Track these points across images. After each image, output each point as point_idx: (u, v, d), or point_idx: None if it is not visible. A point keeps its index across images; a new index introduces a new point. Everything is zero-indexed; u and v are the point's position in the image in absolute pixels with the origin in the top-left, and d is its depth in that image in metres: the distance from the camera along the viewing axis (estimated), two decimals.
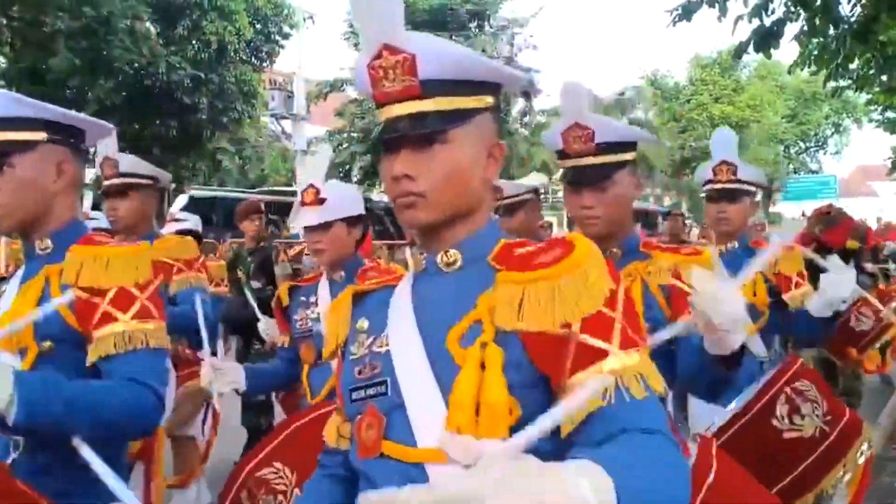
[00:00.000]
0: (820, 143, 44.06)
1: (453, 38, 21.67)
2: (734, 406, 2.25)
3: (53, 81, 14.42)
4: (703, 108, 35.77)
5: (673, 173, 36.45)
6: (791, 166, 42.09)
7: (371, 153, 23.11)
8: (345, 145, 23.79)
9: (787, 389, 2.15)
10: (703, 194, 3.04)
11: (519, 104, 25.09)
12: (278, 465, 1.95)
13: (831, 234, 5.55)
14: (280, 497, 1.94)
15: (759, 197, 3.06)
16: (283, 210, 20.59)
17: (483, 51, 21.99)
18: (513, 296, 1.08)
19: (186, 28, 14.54)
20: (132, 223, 3.07)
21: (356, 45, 23.05)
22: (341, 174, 24.29)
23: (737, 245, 2.92)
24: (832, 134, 43.61)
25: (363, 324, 1.26)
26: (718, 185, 2.86)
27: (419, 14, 21.98)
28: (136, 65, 14.84)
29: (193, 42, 14.65)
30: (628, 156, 1.89)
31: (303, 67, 19.48)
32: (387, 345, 1.18)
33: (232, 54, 15.17)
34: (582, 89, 1.89)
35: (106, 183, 3.02)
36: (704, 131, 35.48)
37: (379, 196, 25.93)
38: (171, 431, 3.10)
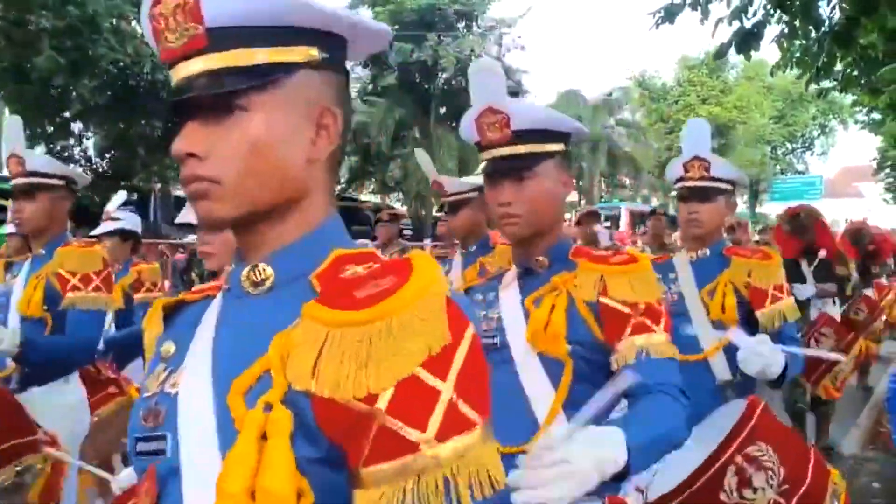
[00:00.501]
0: (806, 145, 44.40)
1: (441, 38, 21.72)
2: (688, 443, 1.88)
3: (38, 80, 14.33)
4: (690, 109, 35.95)
5: (660, 174, 36.61)
6: (778, 167, 42.37)
7: (359, 154, 23.16)
8: None
9: (739, 458, 1.82)
10: (673, 193, 2.73)
11: None
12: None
13: (803, 238, 5.52)
14: None
15: (735, 197, 2.76)
16: None
17: (471, 51, 22.04)
18: (312, 340, 0.78)
19: None
20: (39, 226, 2.76)
21: None
22: None
23: (709, 252, 2.63)
24: (818, 135, 43.95)
25: (168, 348, 0.95)
26: (690, 183, 2.58)
27: (407, 14, 22.00)
28: (121, 64, 14.77)
29: None
30: (554, 146, 1.64)
31: None
32: (178, 385, 0.89)
33: None
34: (496, 68, 1.68)
35: (12, 182, 2.76)
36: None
37: (367, 196, 26.02)
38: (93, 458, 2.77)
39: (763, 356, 2.18)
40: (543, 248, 1.68)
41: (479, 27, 23.72)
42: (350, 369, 0.75)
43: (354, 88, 24.48)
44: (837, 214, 25.68)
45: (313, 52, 0.87)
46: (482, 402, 0.78)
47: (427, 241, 18.12)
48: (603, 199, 33.09)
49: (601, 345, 1.56)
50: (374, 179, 24.41)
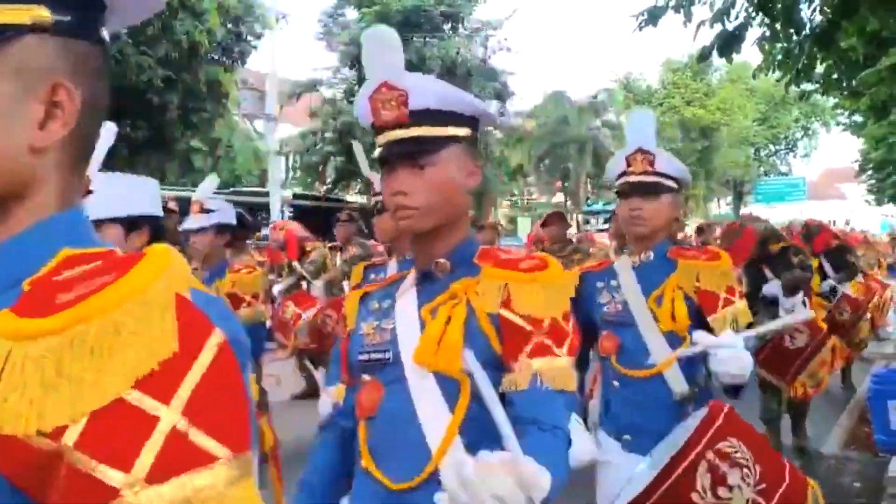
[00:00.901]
0: (789, 146, 44.77)
1: (427, 40, 21.72)
2: (650, 460, 1.94)
3: None
4: (674, 111, 36.16)
5: None
6: (761, 168, 42.71)
7: (345, 154, 23.12)
8: (318, 146, 23.70)
9: (710, 455, 1.73)
10: (615, 189, 2.47)
11: (492, 106, 25.14)
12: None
13: (734, 249, 5.02)
14: None
15: (681, 196, 2.51)
16: (257, 211, 20.64)
17: (457, 53, 22.06)
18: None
19: (157, 28, 14.37)
20: None
21: (329, 45, 23.07)
22: (315, 175, 24.28)
23: (652, 255, 2.37)
24: (801, 137, 44.34)
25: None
26: (633, 178, 2.33)
27: (393, 15, 21.97)
28: None
29: (164, 42, 14.49)
30: (460, 131, 1.43)
31: (276, 67, 19.29)
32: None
33: (202, 54, 15.03)
34: (393, 38, 1.46)
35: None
36: (676, 134, 35.89)
37: (354, 197, 25.92)
38: None
39: (741, 358, 1.98)
40: (445, 249, 1.46)
41: (465, 29, 23.72)
42: (34, 394, 0.57)
43: (339, 88, 24.45)
44: (820, 216, 25.93)
45: (43, 13, 0.69)
46: (232, 430, 0.61)
47: None
48: (589, 202, 33.23)
49: (503, 363, 1.37)
50: (360, 180, 24.31)
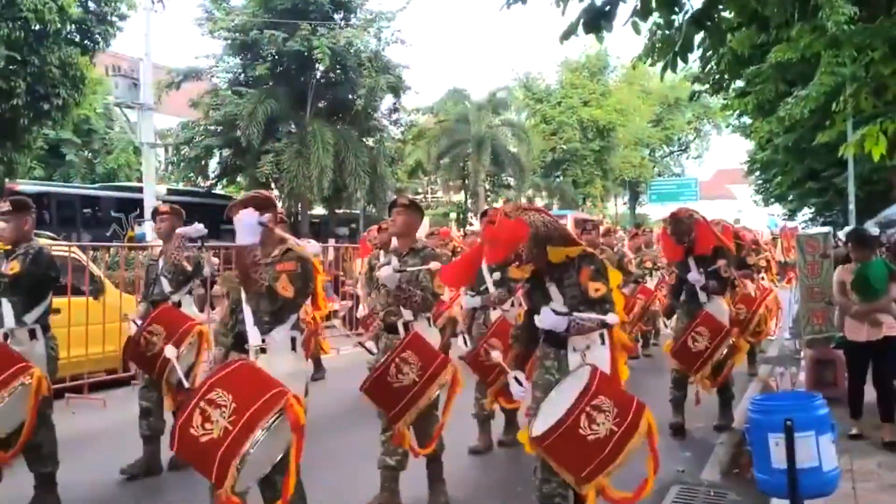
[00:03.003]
0: (682, 148, 45.98)
1: (316, 30, 20.63)
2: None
3: None
4: (572, 111, 36.31)
5: (544, 175, 36.81)
6: (656, 169, 43.60)
7: (230, 147, 21.78)
8: (200, 138, 22.20)
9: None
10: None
11: (388, 101, 24.31)
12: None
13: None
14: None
15: None
16: (130, 207, 19.07)
17: (349, 45, 21.07)
18: None
19: (0, 4, 12.83)
20: None
21: (211, 32, 21.62)
22: (197, 169, 22.73)
23: None
24: (694, 139, 45.63)
25: None
26: None
27: (279, 2, 20.79)
28: None
29: (8, 20, 12.93)
30: None
31: (151, 53, 17.79)
32: None
33: (54, 35, 13.51)
34: None
35: None
36: (574, 134, 36.06)
37: (240, 194, 24.52)
38: None
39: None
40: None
41: (357, 19, 22.74)
42: None
43: (224, 78, 23.03)
44: (711, 215, 26.42)
45: None
46: None
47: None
48: (489, 199, 32.84)
49: None
50: (246, 175, 22.95)
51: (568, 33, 4.44)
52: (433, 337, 4.25)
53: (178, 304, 5.10)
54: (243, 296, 3.24)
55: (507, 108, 34.25)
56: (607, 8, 4.45)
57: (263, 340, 3.18)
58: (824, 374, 6.54)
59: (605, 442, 2.94)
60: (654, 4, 4.49)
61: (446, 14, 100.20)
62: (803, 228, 18.43)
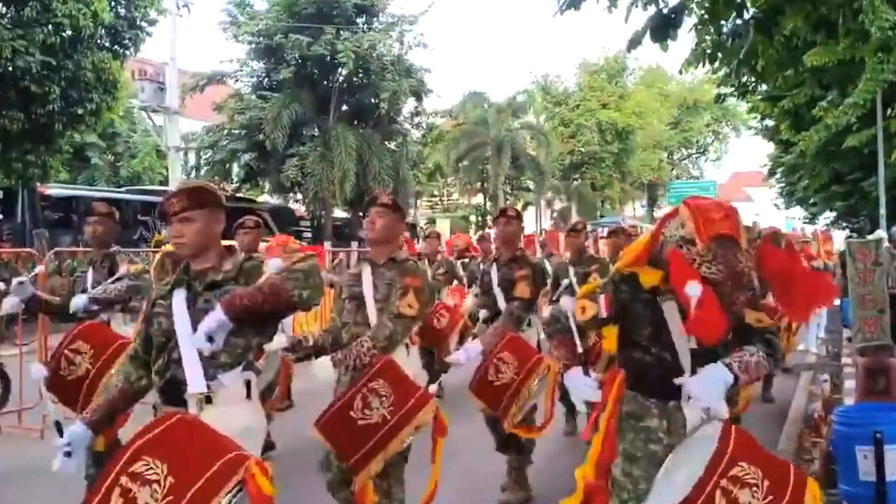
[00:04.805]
0: (701, 150, 45.77)
1: (339, 33, 20.71)
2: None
3: None
4: (590, 113, 36.25)
5: (563, 178, 36.77)
6: (674, 172, 43.46)
7: (254, 150, 21.88)
8: (224, 142, 22.33)
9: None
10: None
11: (409, 105, 24.36)
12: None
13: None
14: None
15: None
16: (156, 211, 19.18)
17: (372, 48, 21.14)
18: None
19: (35, 10, 12.93)
20: None
21: (235, 36, 21.74)
22: (221, 173, 22.84)
23: None
24: (712, 141, 45.39)
25: None
26: None
27: (303, 5, 20.88)
28: None
29: (43, 25, 13.04)
30: None
31: (177, 57, 17.95)
32: None
33: (88, 40, 13.62)
34: None
35: None
36: (592, 136, 35.99)
37: (265, 198, 24.70)
38: None
39: None
40: None
41: (379, 23, 22.80)
42: None
43: (248, 82, 23.16)
44: None
45: None
46: None
47: (328, 245, 17.16)
48: (508, 202, 32.83)
49: None
50: (270, 179, 23.06)
51: (634, 42, 4.46)
52: (412, 365, 3.43)
53: None
54: (178, 329, 2.44)
55: (526, 112, 34.25)
56: (673, 16, 4.46)
57: (209, 387, 2.40)
58: (877, 382, 6.47)
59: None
60: (719, 11, 4.49)
61: (465, 17, 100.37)
62: (822, 232, 18.23)
